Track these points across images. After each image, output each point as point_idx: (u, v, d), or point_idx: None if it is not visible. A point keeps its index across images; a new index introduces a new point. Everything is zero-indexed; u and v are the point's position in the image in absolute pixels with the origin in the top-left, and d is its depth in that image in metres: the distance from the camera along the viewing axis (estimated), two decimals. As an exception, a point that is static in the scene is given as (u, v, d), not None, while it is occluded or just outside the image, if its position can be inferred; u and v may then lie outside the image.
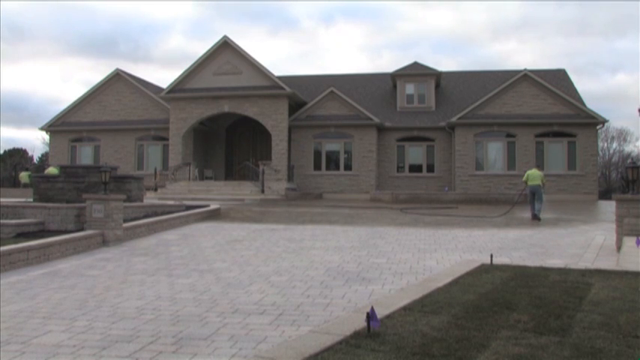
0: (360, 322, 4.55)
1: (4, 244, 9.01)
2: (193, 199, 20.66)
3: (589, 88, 78.18)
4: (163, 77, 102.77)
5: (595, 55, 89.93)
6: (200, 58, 27.65)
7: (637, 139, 78.56)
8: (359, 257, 9.39)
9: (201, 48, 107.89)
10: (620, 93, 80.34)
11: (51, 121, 31.07)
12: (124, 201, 12.06)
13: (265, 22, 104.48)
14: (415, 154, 28.08)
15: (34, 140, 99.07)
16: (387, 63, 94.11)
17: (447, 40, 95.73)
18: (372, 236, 12.05)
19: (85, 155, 30.62)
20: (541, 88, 25.98)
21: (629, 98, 76.34)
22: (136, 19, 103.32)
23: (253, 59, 27.22)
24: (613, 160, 58.82)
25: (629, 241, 9.10)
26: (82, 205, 11.73)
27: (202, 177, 28.41)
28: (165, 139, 28.90)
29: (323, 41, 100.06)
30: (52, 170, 23.99)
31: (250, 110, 27.01)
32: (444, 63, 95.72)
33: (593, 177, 25.81)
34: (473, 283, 6.57)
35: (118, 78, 30.60)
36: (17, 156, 53.26)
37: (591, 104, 42.11)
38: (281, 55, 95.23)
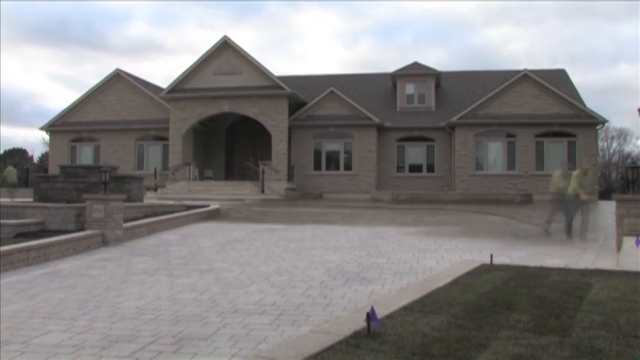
0: (360, 322, 4.55)
1: (4, 244, 9.00)
2: (193, 199, 20.64)
3: (588, 79, 77.22)
4: (125, 68, 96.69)
5: (595, 42, 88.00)
6: (200, 58, 27.68)
7: (637, 139, 78.41)
8: (359, 257, 9.39)
9: (165, 35, 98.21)
10: (621, 84, 78.49)
11: (51, 121, 31.07)
12: (124, 201, 12.06)
13: (229, 7, 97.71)
14: (415, 154, 28.09)
15: (29, 138, 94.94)
16: (366, 52, 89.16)
17: (436, 26, 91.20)
18: (372, 236, 12.05)
19: (85, 155, 30.62)
20: (541, 88, 25.99)
21: (629, 90, 74.88)
22: (93, 5, 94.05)
23: (253, 59, 27.23)
24: (613, 160, 58.84)
25: (629, 241, 9.09)
26: (82, 205, 11.73)
27: (202, 177, 28.40)
28: (166, 139, 28.90)
29: (294, 28, 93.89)
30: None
31: (250, 110, 27.01)
32: (434, 52, 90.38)
33: (593, 177, 25.83)
34: (473, 283, 6.56)
35: (118, 78, 30.61)
36: (17, 156, 53.25)
37: (591, 98, 41.74)
38: (250, 41, 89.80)
